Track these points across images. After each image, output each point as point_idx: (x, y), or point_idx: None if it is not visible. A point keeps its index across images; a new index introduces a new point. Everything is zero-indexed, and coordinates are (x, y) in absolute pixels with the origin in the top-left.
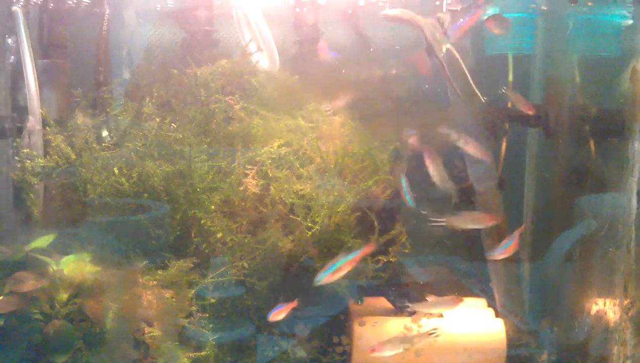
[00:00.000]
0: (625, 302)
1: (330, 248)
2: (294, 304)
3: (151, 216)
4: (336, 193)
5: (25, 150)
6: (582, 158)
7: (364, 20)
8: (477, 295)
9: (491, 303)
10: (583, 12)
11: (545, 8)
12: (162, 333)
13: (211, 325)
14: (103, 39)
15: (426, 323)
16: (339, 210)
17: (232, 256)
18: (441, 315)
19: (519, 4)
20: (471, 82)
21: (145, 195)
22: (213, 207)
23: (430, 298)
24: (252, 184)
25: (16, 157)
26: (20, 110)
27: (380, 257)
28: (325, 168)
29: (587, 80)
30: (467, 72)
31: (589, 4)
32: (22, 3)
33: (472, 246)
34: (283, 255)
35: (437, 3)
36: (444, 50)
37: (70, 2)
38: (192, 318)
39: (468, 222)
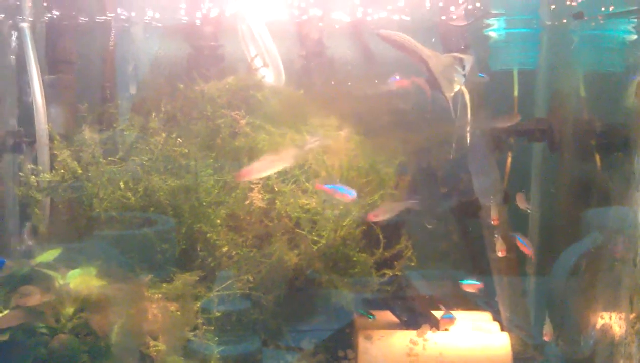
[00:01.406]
0: (631, 316)
1: (336, 261)
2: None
3: (157, 230)
4: (342, 207)
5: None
6: (588, 172)
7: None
8: (483, 309)
9: (497, 317)
10: (588, 28)
11: (550, 23)
12: (168, 347)
13: (216, 339)
14: (110, 54)
15: (432, 337)
16: (344, 224)
17: (238, 270)
18: (447, 329)
19: (523, 20)
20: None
21: (151, 209)
22: (219, 221)
23: None
24: (257, 198)
25: (20, 173)
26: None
27: (386, 271)
28: (330, 182)
29: (591, 95)
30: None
31: (599, 17)
32: (29, 19)
33: (477, 260)
34: (289, 269)
35: (443, 17)
36: (455, 89)
37: (77, 19)
38: (197, 331)
39: None
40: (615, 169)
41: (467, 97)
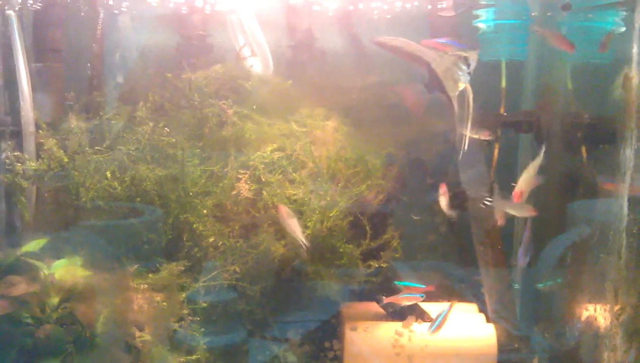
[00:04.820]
0: (616, 308)
1: (322, 252)
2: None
3: (143, 220)
4: (328, 198)
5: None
6: (574, 164)
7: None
8: (469, 301)
9: (482, 309)
10: (576, 19)
11: (538, 15)
12: (153, 337)
13: (202, 329)
14: (97, 42)
15: (417, 329)
16: (331, 214)
17: (224, 260)
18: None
19: (512, 11)
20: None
21: (138, 199)
22: (205, 211)
23: None
24: (244, 189)
25: (6, 160)
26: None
27: (372, 262)
28: (317, 173)
29: (579, 87)
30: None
31: (589, 13)
32: (16, 7)
33: (464, 252)
34: (275, 260)
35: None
36: (460, 88)
37: (65, 7)
38: (183, 322)
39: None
40: (601, 161)
41: (471, 95)
